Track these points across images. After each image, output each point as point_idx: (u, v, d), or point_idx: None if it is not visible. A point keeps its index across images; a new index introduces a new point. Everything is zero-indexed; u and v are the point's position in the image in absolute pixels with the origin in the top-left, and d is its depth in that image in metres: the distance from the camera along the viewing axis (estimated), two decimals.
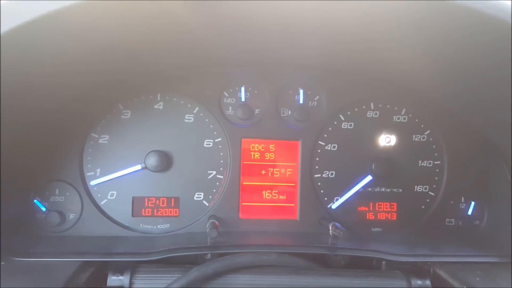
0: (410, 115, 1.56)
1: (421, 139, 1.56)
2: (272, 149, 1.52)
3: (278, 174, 1.53)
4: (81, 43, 1.00)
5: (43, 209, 1.42)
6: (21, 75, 1.00)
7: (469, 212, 1.56)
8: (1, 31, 0.77)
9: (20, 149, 1.30)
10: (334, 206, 1.53)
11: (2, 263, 1.12)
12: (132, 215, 1.46)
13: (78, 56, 1.08)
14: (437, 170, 1.56)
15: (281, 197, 1.53)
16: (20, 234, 1.35)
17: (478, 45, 0.94)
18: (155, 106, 1.48)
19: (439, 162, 1.56)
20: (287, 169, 1.53)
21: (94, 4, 0.80)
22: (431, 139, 1.56)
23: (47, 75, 1.09)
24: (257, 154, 1.52)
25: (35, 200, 1.41)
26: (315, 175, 1.53)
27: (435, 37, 0.99)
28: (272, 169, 1.53)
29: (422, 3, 0.83)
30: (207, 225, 1.34)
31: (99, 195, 1.45)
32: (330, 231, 1.38)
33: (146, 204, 1.47)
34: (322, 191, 1.53)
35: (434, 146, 1.56)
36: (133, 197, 1.46)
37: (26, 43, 0.86)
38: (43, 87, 1.15)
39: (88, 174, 1.45)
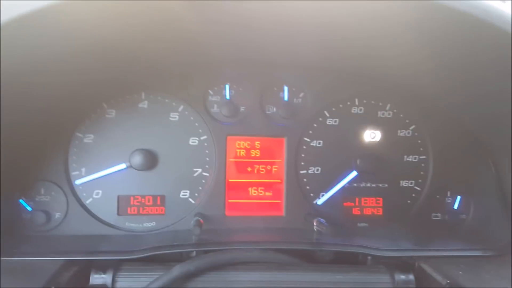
0: (395, 111, 1.56)
1: (406, 134, 1.57)
2: (257, 146, 1.53)
3: (264, 171, 1.53)
4: (66, 42, 1.00)
5: (29, 208, 1.41)
6: (5, 74, 1.00)
7: (455, 206, 1.56)
8: None
9: (5, 149, 1.30)
10: (320, 202, 1.54)
11: None
12: (118, 214, 1.46)
13: (63, 55, 1.08)
14: (422, 164, 1.57)
15: (267, 193, 1.53)
16: (4, 234, 1.35)
17: (469, 44, 0.95)
18: (140, 105, 1.48)
19: (424, 157, 1.56)
20: (273, 166, 1.53)
21: (78, 3, 0.80)
22: (416, 134, 1.56)
23: (31, 73, 1.08)
24: (242, 151, 1.52)
25: (20, 200, 1.41)
26: (301, 171, 1.53)
27: (426, 36, 1.00)
28: (258, 166, 1.53)
29: (412, 3, 0.83)
30: (191, 222, 1.34)
31: (84, 194, 1.45)
32: (315, 226, 1.38)
33: (131, 203, 1.47)
34: (308, 187, 1.54)
35: (419, 141, 1.56)
36: (118, 196, 1.46)
37: (10, 42, 0.86)
38: (27, 86, 1.15)
39: (73, 173, 1.45)
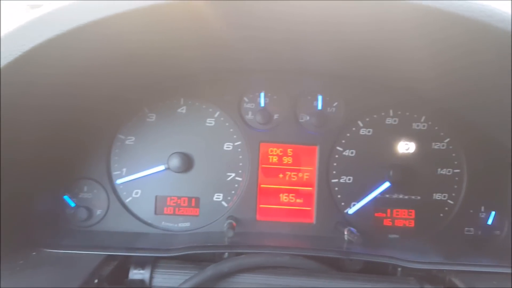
0: (430, 123, 1.55)
1: (441, 147, 1.55)
2: (290, 153, 1.56)
3: (296, 178, 1.56)
4: (111, 49, 1.07)
5: (72, 204, 1.50)
6: (60, 76, 1.08)
7: (489, 222, 1.53)
8: (48, 37, 0.85)
9: (52, 150, 1.39)
10: (350, 211, 1.55)
11: (34, 253, 1.21)
12: (155, 213, 1.53)
13: (108, 61, 1.15)
14: (456, 178, 1.55)
15: (298, 200, 1.56)
16: (50, 228, 1.44)
17: (491, 58, 0.95)
18: (178, 110, 1.54)
19: (458, 171, 1.55)
20: (305, 173, 1.56)
21: (122, 16, 0.87)
22: (450, 147, 1.55)
23: (81, 75, 1.17)
24: (275, 158, 1.56)
25: (65, 196, 1.50)
26: (332, 180, 1.55)
27: (449, 51, 1.01)
28: (289, 173, 1.56)
29: (434, 16, 0.85)
30: (225, 225, 1.39)
31: (124, 193, 1.53)
32: (345, 235, 1.39)
33: (168, 203, 1.53)
34: (339, 196, 1.55)
35: (453, 154, 1.55)
36: (156, 196, 1.53)
37: (66, 48, 0.93)
38: (77, 87, 1.23)
39: (115, 173, 1.53)
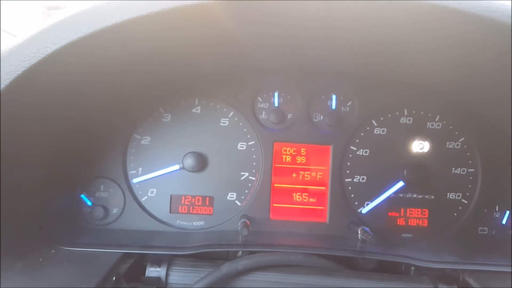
0: (444, 122, 1.55)
1: (455, 146, 1.55)
2: (303, 153, 1.57)
3: (309, 177, 1.57)
4: (130, 51, 1.09)
5: (89, 203, 1.53)
6: (79, 78, 1.11)
7: (504, 221, 1.53)
8: (71, 39, 0.87)
9: (70, 149, 1.42)
10: (364, 210, 1.55)
11: (53, 251, 1.24)
12: (170, 212, 1.55)
13: (125, 63, 1.17)
14: (470, 178, 1.54)
15: (311, 199, 1.56)
16: (68, 226, 1.47)
17: (501, 55, 0.95)
18: (193, 110, 1.56)
19: (473, 170, 1.54)
20: (318, 173, 1.57)
21: (145, 15, 0.88)
22: (465, 146, 1.54)
23: (96, 80, 1.19)
24: (288, 157, 1.57)
25: (81, 195, 1.53)
26: (346, 179, 1.56)
27: (460, 50, 1.01)
28: (303, 172, 1.57)
29: (443, 14, 0.85)
30: (239, 224, 1.40)
31: (140, 192, 1.56)
32: (359, 235, 1.40)
33: (182, 202, 1.56)
34: (352, 196, 1.56)
35: (468, 154, 1.54)
36: (171, 195, 1.55)
37: (89, 49, 0.96)
38: (95, 88, 1.26)
39: (131, 172, 1.55)
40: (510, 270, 1.24)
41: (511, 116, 1.33)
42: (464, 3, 0.82)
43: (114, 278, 1.09)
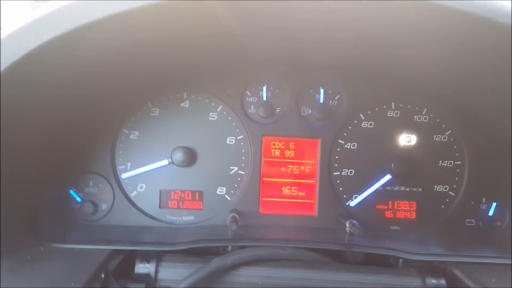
0: (431, 115, 1.56)
1: (442, 139, 1.56)
2: (292, 146, 1.57)
3: (298, 171, 1.57)
4: (117, 45, 1.08)
5: (78, 199, 1.52)
6: (60, 76, 1.09)
7: (490, 213, 1.55)
8: (56, 34, 0.86)
9: (58, 144, 1.41)
10: (352, 203, 1.56)
11: (41, 248, 1.24)
12: (159, 207, 1.55)
13: (112, 58, 1.16)
14: (457, 170, 1.56)
15: (300, 193, 1.57)
16: (56, 222, 1.46)
17: (490, 48, 0.96)
18: (181, 105, 1.55)
19: (459, 163, 1.56)
20: (307, 167, 1.57)
21: (133, 10, 0.87)
22: (452, 139, 1.56)
23: (83, 75, 1.18)
24: (277, 151, 1.57)
25: (70, 191, 1.52)
26: (334, 173, 1.57)
27: (450, 42, 1.01)
28: (292, 166, 1.57)
29: (432, 9, 0.85)
30: (228, 218, 1.41)
31: (129, 187, 1.55)
32: (347, 228, 1.41)
33: (172, 197, 1.56)
34: (340, 189, 1.57)
35: (455, 146, 1.56)
36: (160, 190, 1.55)
37: (66, 49, 0.94)
38: (79, 86, 1.24)
39: (120, 167, 1.55)
40: (496, 262, 1.27)
41: (499, 108, 1.34)
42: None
43: (103, 276, 1.09)
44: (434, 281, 1.22)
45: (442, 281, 1.21)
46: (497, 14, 0.82)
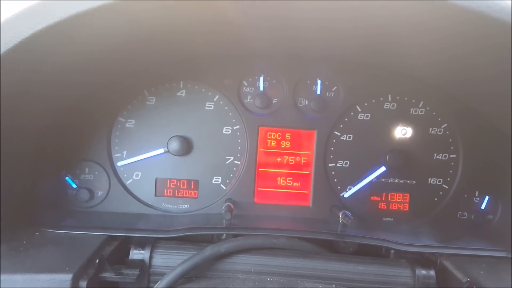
0: (428, 108, 1.56)
1: (438, 132, 1.57)
2: (288, 137, 1.58)
3: (293, 161, 1.58)
4: (112, 34, 1.08)
5: (74, 186, 1.53)
6: (56, 64, 1.10)
7: (483, 207, 1.56)
8: (48, 23, 0.86)
9: (54, 132, 1.42)
10: (346, 195, 1.58)
11: (37, 233, 1.25)
12: (155, 195, 1.56)
13: (109, 46, 1.16)
14: (452, 163, 1.57)
15: (295, 184, 1.58)
16: (52, 208, 1.48)
17: (484, 43, 0.96)
18: (178, 94, 1.55)
19: (454, 156, 1.57)
20: (302, 158, 1.58)
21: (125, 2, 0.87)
22: (447, 132, 1.56)
23: (79, 62, 1.18)
24: (273, 142, 1.58)
25: (66, 178, 1.53)
26: (329, 164, 1.58)
27: (449, 38, 1.01)
28: (287, 157, 1.58)
29: (433, 6, 0.85)
30: (223, 207, 1.42)
31: (125, 175, 1.56)
32: (340, 219, 1.43)
33: (168, 185, 1.57)
34: (335, 180, 1.58)
35: (450, 140, 1.56)
36: (156, 178, 1.56)
37: (62, 36, 0.94)
38: (76, 74, 1.24)
39: (116, 155, 1.55)
40: (486, 254, 1.29)
41: (495, 102, 1.35)
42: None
43: (97, 261, 1.10)
44: (424, 272, 1.23)
45: (432, 272, 1.23)
46: (493, 9, 0.83)
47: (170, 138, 1.52)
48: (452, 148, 1.57)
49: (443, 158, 1.57)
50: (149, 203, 1.56)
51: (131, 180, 1.56)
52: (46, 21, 0.86)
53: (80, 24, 0.91)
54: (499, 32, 0.87)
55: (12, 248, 1.12)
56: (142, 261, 1.22)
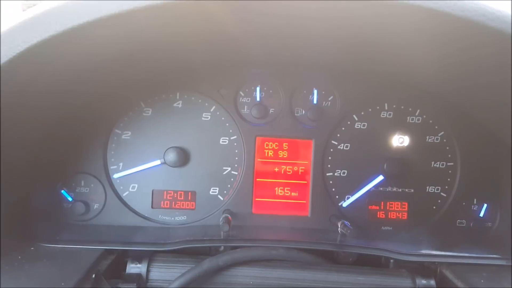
0: (424, 116, 1.57)
1: (435, 140, 1.57)
2: (285, 147, 1.57)
3: (291, 171, 1.58)
4: (109, 44, 1.07)
5: (70, 199, 1.51)
6: (52, 76, 1.09)
7: (481, 214, 1.56)
8: (44, 37, 0.86)
9: (50, 144, 1.40)
10: (345, 204, 1.57)
11: (32, 248, 1.23)
12: (152, 207, 1.55)
13: (105, 57, 1.15)
14: (449, 171, 1.57)
15: (293, 194, 1.58)
16: (47, 222, 1.45)
17: (482, 51, 0.96)
18: (174, 105, 1.55)
19: (452, 164, 1.57)
20: (300, 167, 1.57)
21: (127, 11, 0.87)
22: (444, 140, 1.57)
23: (75, 73, 1.17)
24: (270, 152, 1.57)
25: (62, 191, 1.51)
26: (327, 174, 1.57)
27: (447, 46, 1.01)
28: (285, 167, 1.58)
29: (430, 14, 0.85)
30: (221, 219, 1.40)
31: (121, 187, 1.54)
32: (339, 229, 1.42)
33: (164, 197, 1.55)
34: (333, 189, 1.57)
35: (447, 148, 1.56)
36: (153, 190, 1.55)
37: (65, 47, 0.94)
38: (72, 85, 1.23)
39: (112, 167, 1.54)
40: (486, 263, 1.28)
41: (492, 110, 1.35)
42: (440, 3, 0.82)
43: (93, 276, 1.09)
44: (424, 281, 1.22)
45: (432, 282, 1.22)
46: (489, 18, 0.83)
47: (166, 150, 1.51)
48: (449, 156, 1.57)
49: (440, 166, 1.57)
50: (146, 215, 1.54)
51: (127, 192, 1.54)
52: (41, 34, 0.86)
53: (76, 36, 0.90)
54: (497, 40, 0.87)
55: (7, 263, 1.10)
56: (139, 275, 1.21)
